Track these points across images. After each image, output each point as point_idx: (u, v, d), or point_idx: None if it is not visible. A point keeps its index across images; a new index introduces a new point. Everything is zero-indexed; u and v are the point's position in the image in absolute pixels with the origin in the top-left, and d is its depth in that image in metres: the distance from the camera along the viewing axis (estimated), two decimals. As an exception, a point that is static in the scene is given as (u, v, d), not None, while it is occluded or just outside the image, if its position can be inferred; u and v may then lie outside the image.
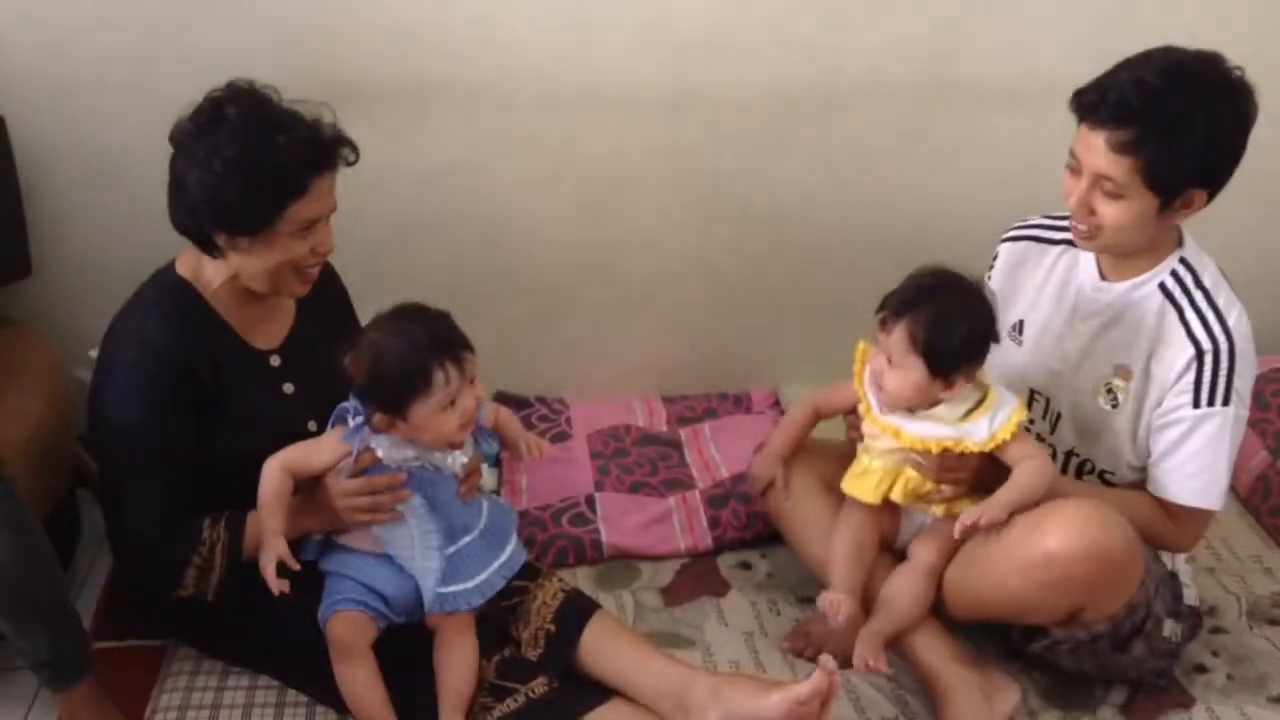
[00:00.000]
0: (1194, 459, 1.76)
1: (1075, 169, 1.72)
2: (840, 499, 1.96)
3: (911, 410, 1.82)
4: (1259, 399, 2.38)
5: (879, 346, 1.81)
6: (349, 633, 1.75)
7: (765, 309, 2.64)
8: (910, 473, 1.83)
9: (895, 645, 1.88)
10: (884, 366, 1.80)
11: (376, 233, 2.40)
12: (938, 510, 1.85)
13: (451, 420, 1.70)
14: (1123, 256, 1.80)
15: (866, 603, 1.89)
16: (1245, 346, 1.75)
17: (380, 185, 2.38)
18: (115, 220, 2.23)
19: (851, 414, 1.96)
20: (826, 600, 1.84)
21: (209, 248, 1.78)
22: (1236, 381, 1.74)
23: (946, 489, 1.83)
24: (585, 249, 2.51)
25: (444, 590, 1.76)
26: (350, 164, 1.78)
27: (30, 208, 2.25)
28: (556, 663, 1.80)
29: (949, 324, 1.75)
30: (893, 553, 1.96)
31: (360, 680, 1.74)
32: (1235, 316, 1.76)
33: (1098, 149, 1.67)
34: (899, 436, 1.82)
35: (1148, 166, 1.64)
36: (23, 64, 2.20)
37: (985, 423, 1.79)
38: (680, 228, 2.52)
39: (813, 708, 1.66)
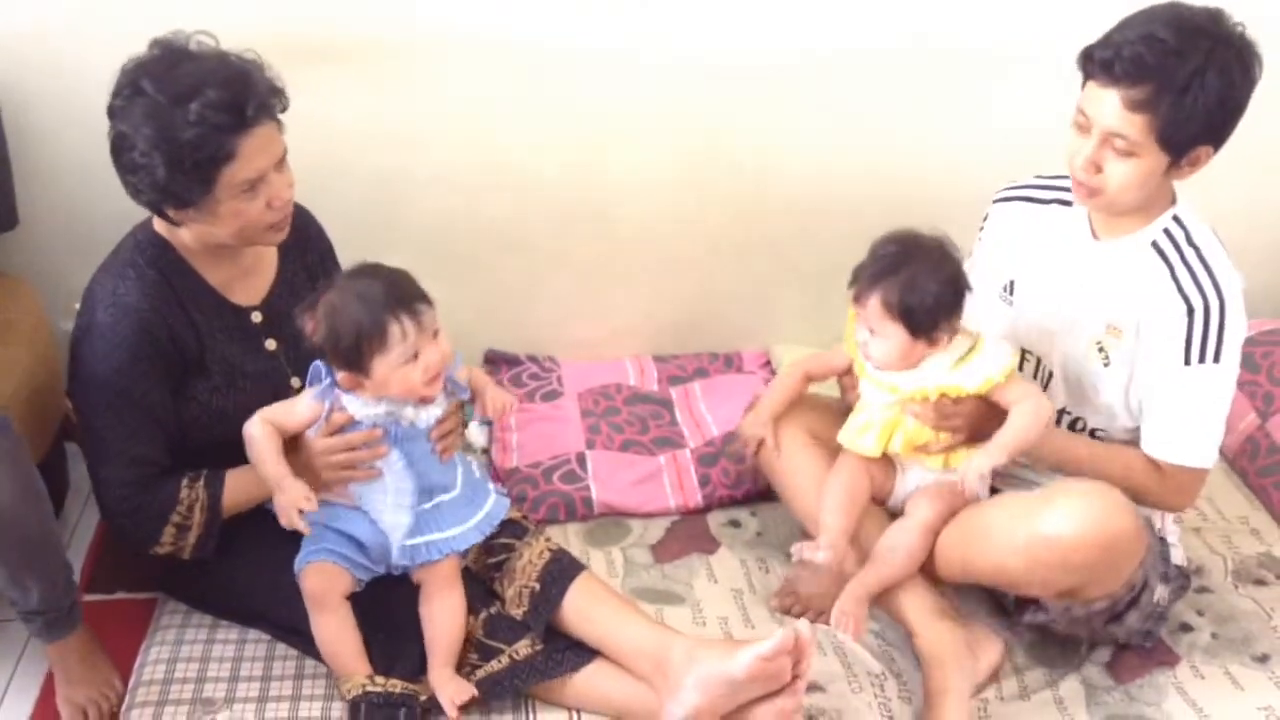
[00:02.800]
0: (1186, 417, 1.76)
1: (1084, 126, 1.71)
2: (830, 451, 1.97)
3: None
4: (1248, 361, 2.38)
5: (858, 318, 1.84)
6: (321, 583, 1.75)
7: (757, 269, 2.63)
8: (909, 423, 1.84)
9: (880, 600, 1.89)
10: (867, 337, 1.83)
11: (364, 188, 2.38)
12: (936, 463, 1.86)
13: (415, 374, 1.69)
14: (1117, 215, 1.80)
15: (857, 555, 1.89)
16: (1236, 304, 1.75)
17: (369, 140, 2.37)
18: (102, 172, 2.17)
19: (846, 375, 1.97)
20: (796, 549, 1.86)
21: (167, 219, 1.76)
22: (1227, 338, 1.73)
23: (945, 436, 1.83)
24: (577, 206, 2.50)
25: (413, 541, 1.77)
26: (282, 111, 1.73)
27: (16, 159, 2.23)
28: (539, 621, 1.81)
29: (920, 285, 1.78)
30: (887, 511, 1.96)
31: (332, 629, 1.76)
32: (1226, 274, 1.75)
33: (1111, 106, 1.66)
34: (896, 390, 1.83)
35: (1162, 124, 1.64)
36: (7, 15, 2.17)
37: (977, 366, 1.81)
38: (674, 186, 2.50)
39: (780, 664, 1.66)
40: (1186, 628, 1.99)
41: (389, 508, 1.77)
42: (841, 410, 2.02)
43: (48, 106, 2.24)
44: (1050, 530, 1.68)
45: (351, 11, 2.26)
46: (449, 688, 1.74)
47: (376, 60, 2.30)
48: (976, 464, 1.76)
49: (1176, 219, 1.78)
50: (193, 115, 1.62)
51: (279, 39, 1.84)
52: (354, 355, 1.67)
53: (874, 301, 1.80)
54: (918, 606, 1.86)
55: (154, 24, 1.76)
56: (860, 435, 1.88)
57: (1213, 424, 1.76)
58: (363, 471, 1.75)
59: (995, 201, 2.01)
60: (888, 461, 1.92)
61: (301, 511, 1.69)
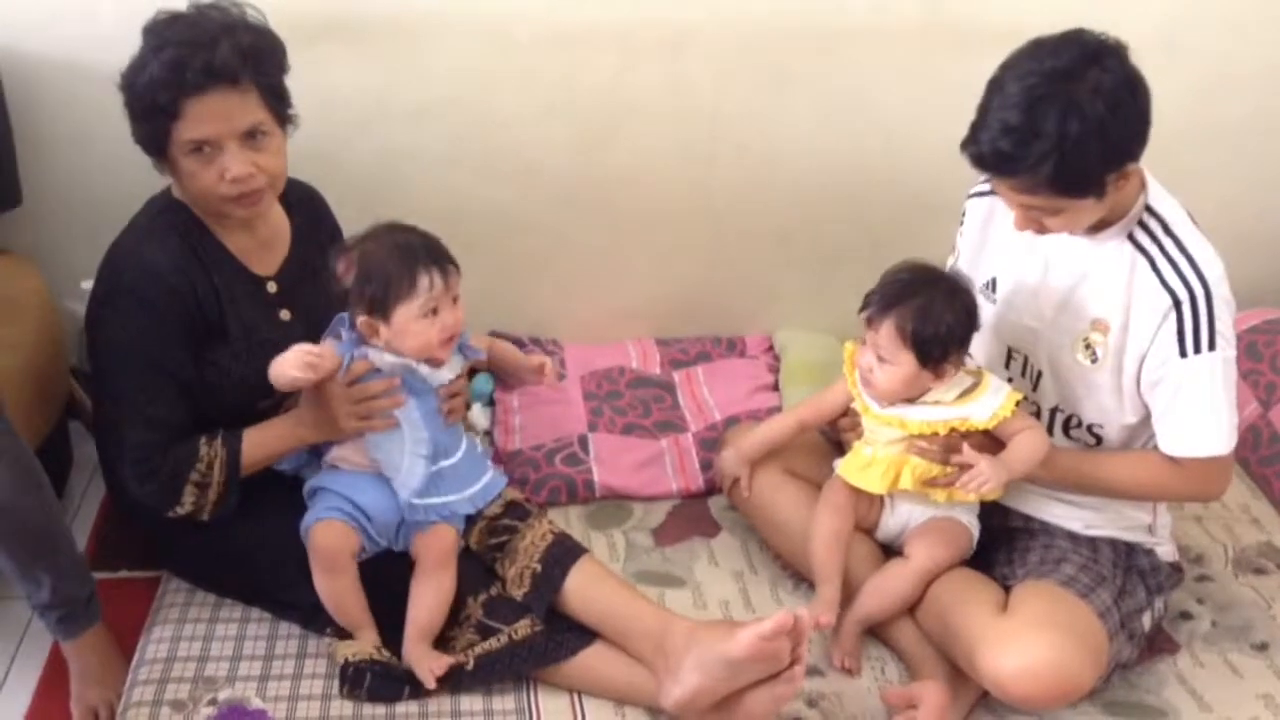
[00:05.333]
0: (1193, 409, 1.74)
1: (1004, 197, 1.72)
2: (807, 485, 1.99)
3: (910, 400, 1.84)
4: (1252, 350, 2.39)
5: (867, 344, 1.83)
6: (332, 540, 1.76)
7: (761, 252, 2.62)
8: (915, 460, 1.84)
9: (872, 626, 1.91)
10: (873, 363, 1.82)
11: (370, 166, 2.38)
12: (940, 496, 1.85)
13: (432, 330, 1.74)
14: None
15: (845, 589, 1.89)
16: (1220, 288, 1.73)
17: (375, 118, 2.36)
18: (107, 150, 2.19)
19: (844, 417, 1.96)
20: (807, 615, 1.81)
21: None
22: (1218, 324, 1.72)
23: (952, 470, 1.82)
24: (581, 188, 2.49)
25: (417, 501, 1.79)
26: (261, 85, 1.74)
27: (20, 137, 2.23)
28: (540, 603, 1.81)
29: (935, 314, 1.78)
30: (873, 539, 1.96)
31: (342, 587, 1.77)
32: (1207, 259, 1.73)
33: (1009, 194, 1.68)
34: (904, 425, 1.83)
35: (1062, 188, 1.62)
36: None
37: (986, 402, 1.81)
38: (677, 168, 2.50)
39: (779, 644, 1.66)
40: (1187, 616, 2.00)
41: (406, 454, 1.79)
42: (820, 445, 2.03)
43: (52, 83, 2.23)
44: (1000, 675, 1.67)
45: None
46: (426, 660, 1.75)
47: (381, 40, 2.30)
48: (989, 474, 1.74)
49: (1149, 208, 1.76)
50: (150, 68, 1.69)
51: (285, 16, 1.84)
52: (379, 299, 1.72)
53: (887, 327, 1.79)
54: (906, 632, 1.87)
55: (167, 4, 1.77)
56: (864, 471, 1.87)
57: (1220, 409, 1.74)
58: (380, 421, 1.77)
59: (969, 197, 1.98)
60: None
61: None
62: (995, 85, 1.65)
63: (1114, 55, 1.61)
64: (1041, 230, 1.72)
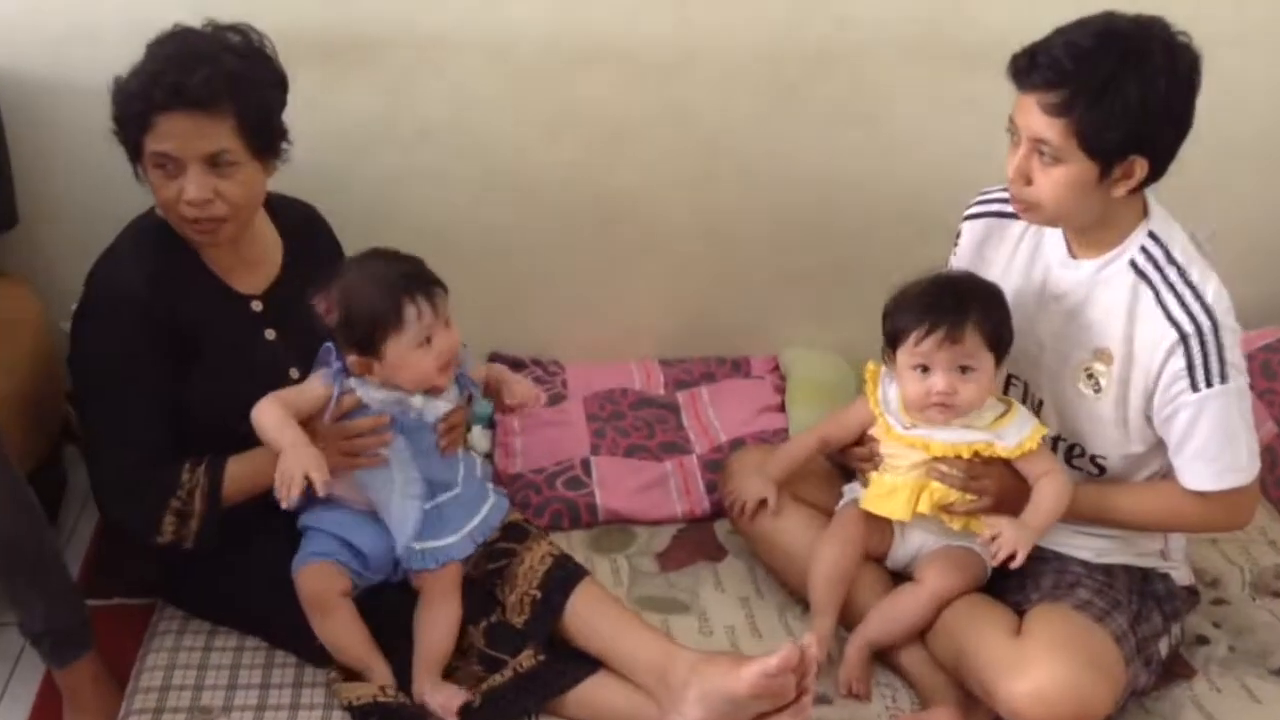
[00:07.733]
0: (1210, 442, 1.71)
1: (1015, 136, 1.70)
2: (812, 513, 1.97)
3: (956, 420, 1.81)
4: (1266, 369, 2.37)
5: (932, 368, 1.78)
6: (318, 584, 1.73)
7: (765, 272, 2.61)
8: (935, 484, 1.81)
9: (880, 652, 1.88)
10: (954, 382, 1.77)
11: (372, 186, 2.37)
12: (957, 525, 1.82)
13: (428, 360, 1.69)
14: (1081, 231, 1.76)
15: (847, 618, 1.87)
16: (1227, 319, 1.70)
17: (376, 138, 2.36)
18: (104, 172, 2.18)
19: (859, 446, 1.93)
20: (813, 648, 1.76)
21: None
22: (1228, 355, 1.69)
23: (971, 497, 1.80)
24: (583, 207, 2.48)
25: (417, 546, 1.75)
26: (237, 111, 1.72)
27: (16, 157, 2.22)
28: (541, 631, 1.79)
29: (996, 308, 1.78)
30: (884, 568, 1.94)
31: (339, 627, 1.74)
32: (1212, 290, 1.71)
33: (1032, 112, 1.65)
34: (928, 447, 1.80)
35: (1081, 129, 1.61)
36: (11, 11, 2.17)
37: (1014, 430, 1.79)
38: (679, 187, 2.49)
39: (784, 681, 1.63)
40: (1203, 640, 1.96)
41: (396, 495, 1.74)
42: (827, 471, 2.01)
43: (50, 104, 2.22)
44: (1015, 699, 1.64)
45: (356, 12, 2.25)
46: (441, 694, 1.72)
47: (380, 61, 2.29)
48: (1015, 540, 1.71)
49: (1152, 235, 1.74)
50: (133, 78, 1.72)
51: (283, 39, 1.83)
52: (368, 337, 1.67)
53: (972, 334, 1.75)
54: (916, 657, 1.85)
55: (158, 22, 1.76)
56: (887, 499, 1.84)
57: (1239, 441, 1.72)
58: (367, 458, 1.73)
59: (965, 218, 1.95)
60: (886, 520, 1.88)
61: (307, 491, 1.61)
62: (1075, 21, 1.66)
63: (1191, 58, 1.63)
64: (1027, 190, 1.69)
